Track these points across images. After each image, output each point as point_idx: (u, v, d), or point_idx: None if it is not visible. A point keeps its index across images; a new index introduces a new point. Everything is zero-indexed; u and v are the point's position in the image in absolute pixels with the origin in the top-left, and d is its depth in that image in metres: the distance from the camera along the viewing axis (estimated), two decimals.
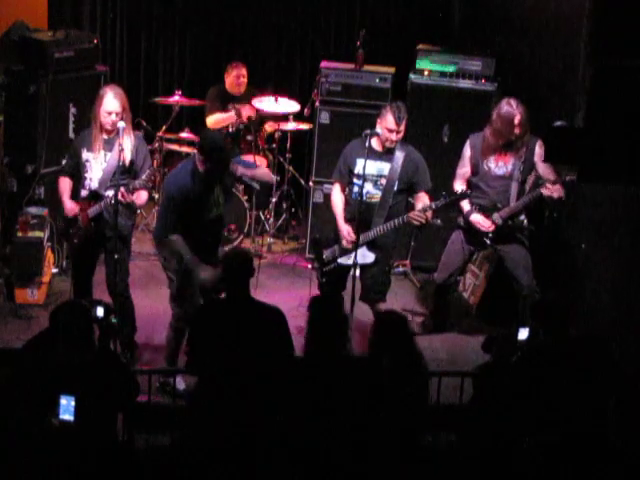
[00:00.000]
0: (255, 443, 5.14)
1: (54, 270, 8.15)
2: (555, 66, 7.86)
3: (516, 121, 7.05)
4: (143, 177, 6.78)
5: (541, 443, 5.25)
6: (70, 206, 6.96)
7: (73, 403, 4.97)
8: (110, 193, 6.73)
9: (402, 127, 6.97)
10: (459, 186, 7.26)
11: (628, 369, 5.79)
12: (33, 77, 8.07)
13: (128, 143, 6.81)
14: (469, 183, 7.31)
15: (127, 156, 6.77)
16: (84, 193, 6.96)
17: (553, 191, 6.90)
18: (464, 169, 7.33)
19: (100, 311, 5.67)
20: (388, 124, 6.94)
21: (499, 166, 7.21)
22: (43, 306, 7.72)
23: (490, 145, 7.18)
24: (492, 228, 7.20)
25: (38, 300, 7.81)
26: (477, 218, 7.22)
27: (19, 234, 7.87)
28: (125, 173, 6.81)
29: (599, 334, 6.55)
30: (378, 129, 6.96)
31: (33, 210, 8.08)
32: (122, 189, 6.63)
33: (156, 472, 5.28)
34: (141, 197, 6.88)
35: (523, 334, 5.61)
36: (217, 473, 5.11)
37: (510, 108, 7.07)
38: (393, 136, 6.97)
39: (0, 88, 8.28)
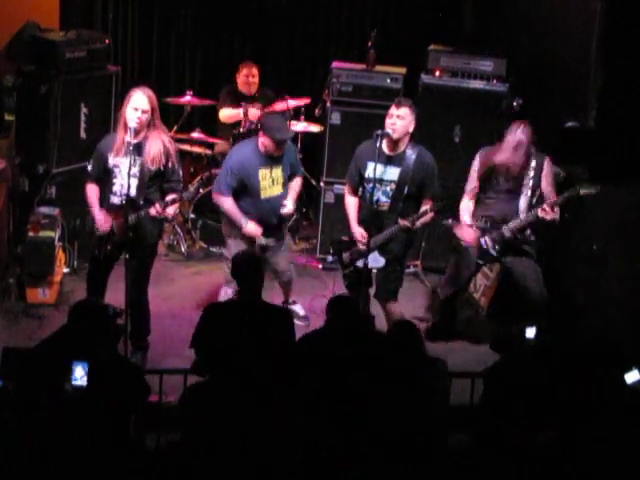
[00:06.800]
0: (261, 443, 5.12)
1: (65, 270, 8.15)
2: (567, 67, 7.85)
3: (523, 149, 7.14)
4: (191, 190, 6.84)
5: (550, 440, 5.26)
6: (103, 219, 6.75)
7: (83, 371, 4.99)
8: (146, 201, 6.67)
9: (402, 111, 6.88)
10: (466, 202, 7.35)
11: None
12: (45, 77, 8.06)
13: (157, 147, 6.66)
14: (478, 199, 7.37)
15: (157, 161, 6.64)
16: (116, 200, 6.75)
17: (547, 213, 6.99)
18: (472, 185, 7.38)
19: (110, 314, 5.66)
20: (388, 112, 6.92)
21: (508, 180, 7.24)
22: (54, 306, 7.73)
23: (503, 164, 7.21)
24: (474, 240, 7.25)
25: (49, 300, 7.81)
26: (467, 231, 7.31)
27: (30, 234, 7.86)
28: (155, 179, 6.70)
29: (611, 335, 6.54)
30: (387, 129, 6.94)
31: (44, 210, 8.07)
32: (157, 205, 6.59)
33: (166, 472, 5.27)
34: (175, 208, 6.94)
35: (531, 332, 5.64)
36: (222, 473, 5.10)
37: (521, 135, 7.14)
38: (392, 120, 6.88)
39: (12, 88, 8.32)
